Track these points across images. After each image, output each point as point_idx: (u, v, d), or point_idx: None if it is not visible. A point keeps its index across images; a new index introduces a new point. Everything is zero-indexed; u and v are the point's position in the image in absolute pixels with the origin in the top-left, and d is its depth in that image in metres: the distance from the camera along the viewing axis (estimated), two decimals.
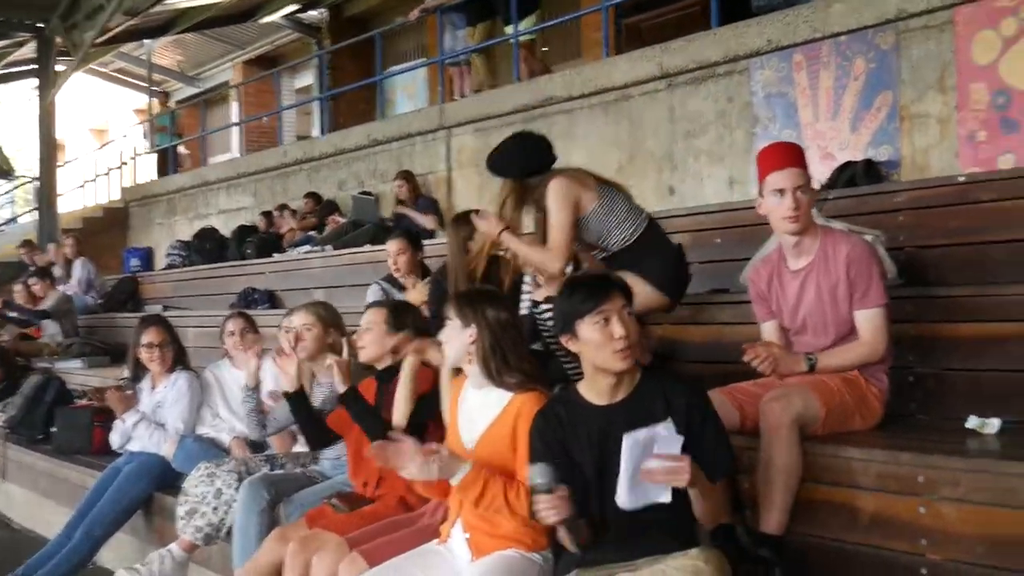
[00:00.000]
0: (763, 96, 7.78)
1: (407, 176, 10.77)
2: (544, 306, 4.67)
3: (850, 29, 7.21)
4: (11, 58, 19.02)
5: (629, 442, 3.06)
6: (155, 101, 22.13)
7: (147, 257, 15.12)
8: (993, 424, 3.71)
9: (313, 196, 12.59)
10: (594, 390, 3.34)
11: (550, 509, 3.09)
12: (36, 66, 17.59)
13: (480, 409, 3.69)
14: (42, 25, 16.60)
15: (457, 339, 3.69)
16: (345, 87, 15.07)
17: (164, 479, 5.96)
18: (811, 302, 3.87)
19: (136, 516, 6.01)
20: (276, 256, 11.17)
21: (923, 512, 3.31)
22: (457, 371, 3.85)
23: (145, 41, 19.63)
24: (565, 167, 4.81)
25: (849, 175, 6.69)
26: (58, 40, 16.46)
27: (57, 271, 12.95)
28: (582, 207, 4.57)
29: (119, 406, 6.28)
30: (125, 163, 19.87)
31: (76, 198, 21.32)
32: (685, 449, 3.11)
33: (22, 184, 23.53)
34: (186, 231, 15.17)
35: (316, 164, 13.15)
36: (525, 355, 3.75)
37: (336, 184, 12.70)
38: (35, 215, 18.46)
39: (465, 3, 11.30)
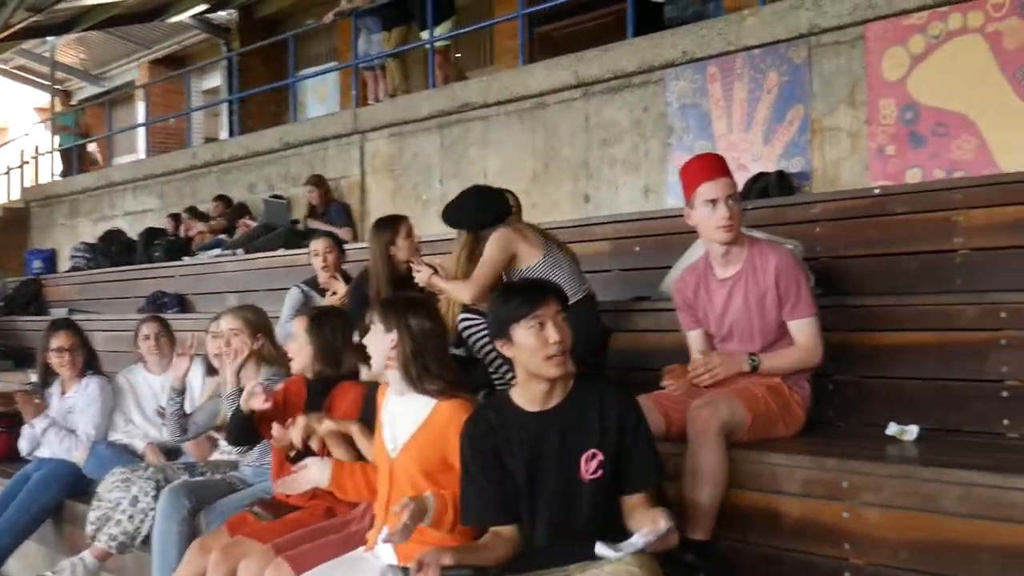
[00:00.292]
0: (678, 107, 7.88)
1: (318, 181, 10.67)
2: (464, 315, 4.75)
3: (763, 43, 7.31)
4: None
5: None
6: (57, 100, 21.65)
7: (50, 259, 14.82)
8: (912, 431, 3.82)
9: (223, 199, 12.42)
10: (527, 396, 3.35)
11: None
12: None
13: (403, 416, 3.68)
14: None
15: (379, 344, 3.69)
16: (257, 89, 14.90)
17: (75, 486, 5.85)
18: (738, 310, 3.94)
19: (45, 524, 5.89)
20: (186, 259, 11.01)
21: (847, 517, 3.39)
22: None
23: (48, 38, 19.19)
24: (516, 221, 4.98)
25: (762, 186, 6.83)
26: None
27: None
28: (520, 258, 4.73)
29: (28, 412, 6.14)
30: (27, 162, 19.40)
31: None
32: (618, 459, 3.16)
33: None
34: (90, 233, 14.87)
35: (226, 166, 12.97)
36: (448, 363, 3.75)
37: (246, 187, 12.55)
38: None
39: (380, 7, 11.27)
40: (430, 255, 6.08)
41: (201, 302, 10.05)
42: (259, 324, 5.10)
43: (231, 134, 15.31)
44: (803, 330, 3.90)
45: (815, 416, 4.09)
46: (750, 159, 7.32)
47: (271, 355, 5.03)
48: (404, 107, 10.38)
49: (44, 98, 22.46)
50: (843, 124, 6.89)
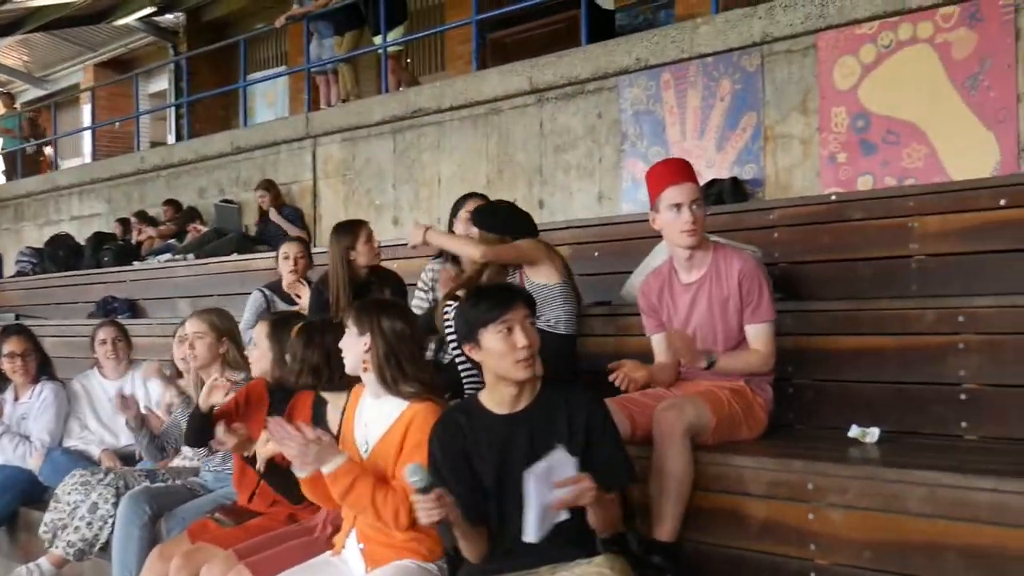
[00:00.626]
0: (632, 113, 7.93)
1: (269, 186, 10.61)
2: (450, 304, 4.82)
3: (717, 51, 7.38)
4: None
5: (532, 479, 3.07)
6: (0, 102, 21.35)
7: None
8: (873, 433, 3.88)
9: (172, 203, 12.32)
10: (495, 399, 3.37)
11: (428, 509, 3.10)
12: None
13: (376, 419, 3.69)
14: None
15: (353, 347, 3.69)
16: (208, 92, 14.79)
17: (31, 493, 5.80)
18: (702, 314, 3.99)
19: (0, 532, 5.81)
20: (136, 264, 10.90)
21: (812, 518, 3.44)
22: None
23: None
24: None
25: (716, 192, 6.90)
26: None
27: None
28: (541, 272, 4.82)
29: None
30: None
31: None
32: (587, 461, 3.19)
33: None
34: (36, 237, 14.65)
35: (175, 171, 12.86)
36: (424, 365, 3.77)
37: (196, 191, 12.45)
38: None
39: (333, 12, 11.24)
40: (389, 260, 6.11)
41: (152, 307, 9.96)
42: (224, 328, 5.07)
43: (178, 138, 15.17)
44: (760, 335, 3.95)
45: (777, 419, 4.15)
46: (704, 166, 7.38)
47: (236, 360, 5.00)
48: (357, 112, 10.36)
49: None
50: (795, 131, 6.97)
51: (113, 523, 4.87)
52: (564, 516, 3.17)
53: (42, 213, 15.37)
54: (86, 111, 19.02)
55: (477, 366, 3.51)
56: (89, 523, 5.00)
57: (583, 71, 8.25)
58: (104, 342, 5.98)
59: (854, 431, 3.93)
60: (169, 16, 17.60)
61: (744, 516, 3.62)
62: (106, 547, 4.93)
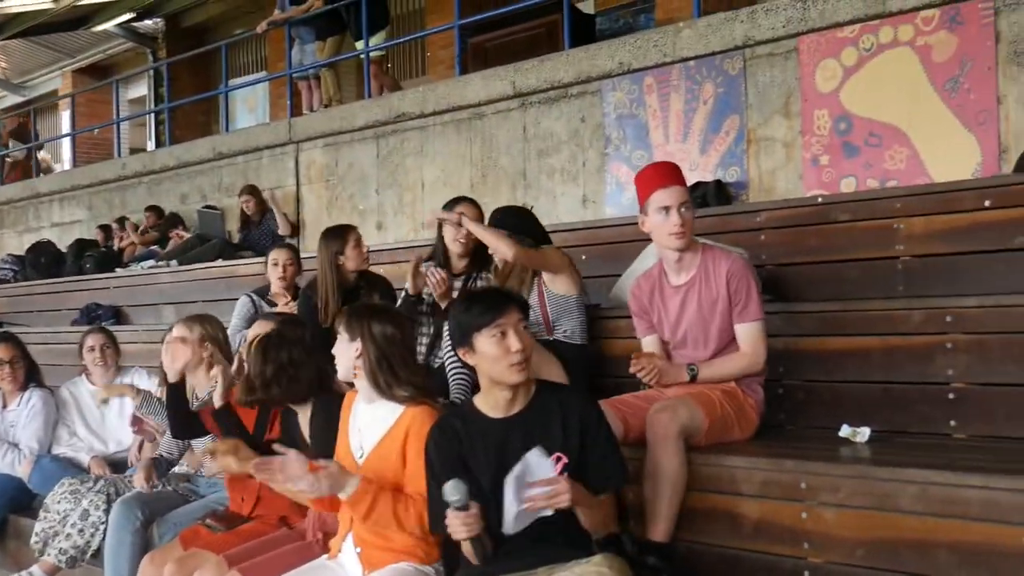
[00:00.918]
0: (615, 117, 7.97)
1: (252, 191, 10.64)
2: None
3: (699, 55, 7.42)
4: None
5: (511, 481, 3.13)
6: None
7: None
8: (864, 433, 3.91)
9: (154, 210, 12.27)
10: (490, 403, 3.39)
11: (463, 526, 3.13)
12: None
13: (371, 424, 3.70)
14: None
15: (345, 353, 3.71)
16: (189, 98, 14.75)
17: (20, 501, 5.79)
18: (692, 316, 4.02)
19: None
20: (120, 271, 10.87)
21: (805, 517, 3.47)
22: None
23: None
24: None
25: (700, 195, 6.94)
26: None
27: None
28: (561, 283, 4.81)
29: None
30: None
31: None
32: (581, 463, 3.22)
33: None
34: (15, 245, 14.62)
35: (157, 177, 12.83)
36: (416, 368, 3.79)
37: (178, 198, 12.42)
38: None
39: (314, 17, 11.24)
40: (375, 265, 6.12)
41: (136, 314, 9.94)
42: (209, 334, 5.07)
43: (158, 144, 15.13)
44: (749, 334, 3.98)
45: (768, 420, 4.18)
46: (687, 169, 7.40)
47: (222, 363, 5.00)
48: (339, 117, 10.36)
49: None
50: (778, 134, 7.02)
51: (105, 529, 4.88)
52: (546, 512, 3.20)
53: (22, 220, 15.31)
54: (65, 117, 18.97)
55: (471, 370, 3.53)
56: (81, 530, 5.01)
57: (566, 75, 8.27)
58: (92, 349, 5.97)
59: (845, 431, 3.96)
60: (148, 22, 17.56)
61: (738, 516, 3.64)
62: (98, 554, 4.95)
